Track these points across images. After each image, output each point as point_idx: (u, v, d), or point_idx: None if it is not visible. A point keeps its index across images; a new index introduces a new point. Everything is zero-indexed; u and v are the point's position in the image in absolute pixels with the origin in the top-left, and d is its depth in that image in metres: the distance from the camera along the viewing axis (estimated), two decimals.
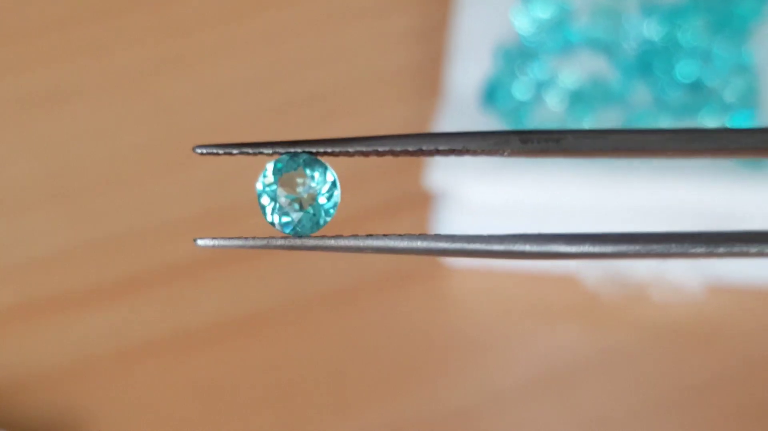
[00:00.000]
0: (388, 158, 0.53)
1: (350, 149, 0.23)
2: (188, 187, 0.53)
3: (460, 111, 0.48)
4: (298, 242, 0.24)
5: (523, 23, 0.50)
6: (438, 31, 0.52)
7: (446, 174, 0.47)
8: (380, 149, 0.23)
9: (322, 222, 0.24)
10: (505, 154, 0.23)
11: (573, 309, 0.48)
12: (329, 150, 0.23)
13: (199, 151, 0.23)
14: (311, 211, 0.23)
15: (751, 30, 0.48)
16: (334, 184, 0.23)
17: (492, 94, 0.48)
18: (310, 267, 0.50)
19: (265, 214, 0.24)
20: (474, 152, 0.23)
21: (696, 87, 0.47)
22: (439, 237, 0.23)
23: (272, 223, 0.24)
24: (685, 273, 0.47)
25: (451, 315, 0.50)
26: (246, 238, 0.24)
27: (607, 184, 0.46)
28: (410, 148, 0.23)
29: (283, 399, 0.48)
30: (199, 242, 0.24)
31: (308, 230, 0.24)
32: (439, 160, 0.47)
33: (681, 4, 0.48)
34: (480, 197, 0.47)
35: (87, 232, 0.52)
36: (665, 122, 0.47)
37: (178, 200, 0.52)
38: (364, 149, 0.23)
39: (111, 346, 0.49)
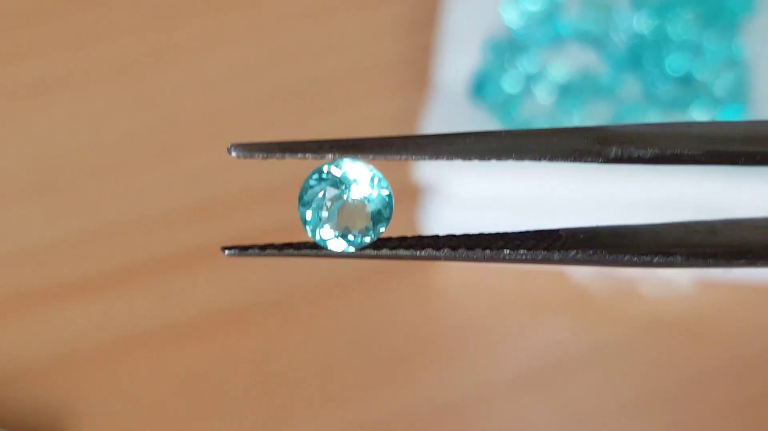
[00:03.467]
0: None
1: (414, 156, 0.20)
2: (178, 178, 0.52)
3: (449, 104, 0.48)
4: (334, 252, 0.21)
5: (512, 16, 0.49)
6: (427, 23, 0.52)
7: (435, 167, 0.46)
8: (445, 156, 0.20)
9: (370, 239, 0.21)
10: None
11: (562, 304, 0.48)
12: (385, 155, 0.21)
13: (234, 153, 0.20)
14: (362, 232, 0.21)
15: (741, 24, 0.48)
16: (387, 196, 0.21)
17: (481, 86, 0.48)
18: (298, 260, 0.49)
19: (305, 226, 0.21)
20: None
21: (686, 81, 0.47)
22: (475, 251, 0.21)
23: (313, 236, 0.21)
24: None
25: (439, 309, 0.50)
26: (280, 249, 0.21)
27: (596, 177, 0.46)
28: (495, 158, 0.20)
29: (271, 392, 0.47)
30: (227, 252, 0.21)
31: (354, 246, 0.21)
32: None
33: None
34: (469, 190, 0.47)
35: (74, 224, 0.51)
36: (655, 116, 0.47)
37: (167, 191, 0.52)
38: (427, 156, 0.20)
39: (98, 339, 0.49)
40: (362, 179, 0.21)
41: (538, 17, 0.49)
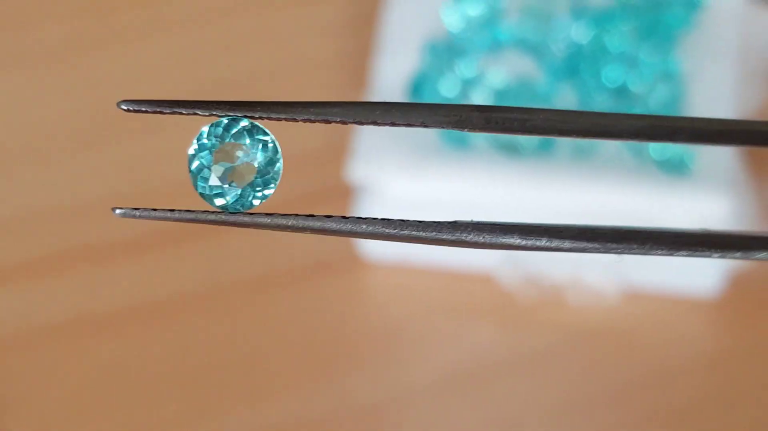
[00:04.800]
0: (310, 149, 0.52)
1: (298, 117, 0.21)
2: (112, 165, 0.52)
3: None
4: (230, 218, 0.21)
5: (452, 19, 0.49)
6: (368, 22, 0.52)
7: (367, 167, 0.46)
8: (330, 118, 0.21)
9: (259, 200, 0.21)
10: (466, 130, 0.21)
11: (489, 309, 0.48)
12: (273, 116, 0.21)
13: (124, 106, 0.20)
14: (248, 188, 0.21)
15: (678, 38, 0.48)
16: (276, 155, 0.21)
17: (418, 88, 0.48)
18: (226, 254, 0.49)
19: (195, 184, 0.21)
20: (429, 126, 0.21)
21: (621, 92, 0.47)
22: (387, 222, 0.21)
23: (203, 195, 0.21)
24: (602, 278, 0.47)
25: (367, 310, 0.49)
26: (172, 210, 0.21)
27: (528, 183, 0.46)
28: (363, 119, 0.21)
29: (192, 386, 0.47)
30: (117, 212, 0.21)
31: (243, 207, 0.21)
32: (361, 153, 0.46)
33: (610, 9, 0.48)
34: (400, 191, 0.47)
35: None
36: None
37: (99, 178, 0.51)
38: (312, 117, 0.21)
39: (17, 326, 0.48)
40: (251, 138, 0.21)
41: (478, 22, 0.49)
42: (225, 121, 0.21)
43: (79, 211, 0.50)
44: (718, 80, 0.47)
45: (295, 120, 0.21)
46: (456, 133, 0.47)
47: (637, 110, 0.47)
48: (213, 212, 0.21)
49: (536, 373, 0.47)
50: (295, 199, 0.50)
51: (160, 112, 0.21)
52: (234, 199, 0.21)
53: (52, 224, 0.50)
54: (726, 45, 0.48)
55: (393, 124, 0.21)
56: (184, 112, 0.21)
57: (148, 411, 0.47)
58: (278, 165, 0.21)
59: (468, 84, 0.48)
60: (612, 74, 0.48)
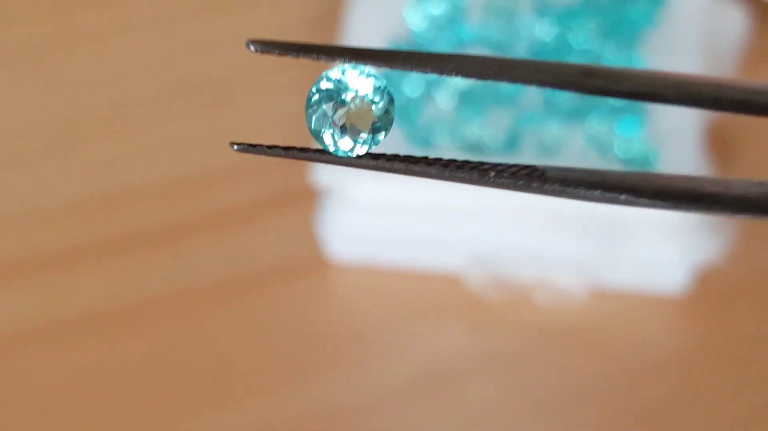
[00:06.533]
0: None
1: (417, 68, 0.21)
2: (74, 171, 0.51)
3: None
4: (344, 159, 0.22)
5: (415, 19, 0.49)
6: (331, 21, 0.52)
7: (332, 170, 0.46)
8: (446, 72, 0.22)
9: (368, 147, 0.22)
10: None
11: (456, 310, 0.48)
12: (391, 66, 0.22)
13: (252, 47, 0.21)
14: (363, 133, 0.22)
15: (642, 35, 0.48)
16: (391, 105, 0.22)
17: None
18: (191, 258, 0.49)
19: (309, 122, 0.22)
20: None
21: None
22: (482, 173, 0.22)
23: (315, 132, 0.22)
24: (569, 277, 0.47)
25: (334, 312, 0.49)
26: (285, 148, 0.22)
27: None
28: (490, 78, 0.22)
29: (162, 392, 0.47)
30: (235, 147, 0.22)
31: (352, 152, 0.22)
32: None
33: (573, 6, 0.48)
34: (366, 194, 0.47)
35: None
36: (555, 127, 0.47)
37: (61, 183, 0.51)
38: (430, 69, 0.22)
39: None
40: (367, 85, 0.22)
41: (441, 21, 0.49)
42: (347, 67, 0.21)
43: (44, 215, 0.50)
44: None
45: (410, 70, 0.22)
46: (421, 133, 0.47)
47: (599, 109, 0.47)
48: (322, 152, 0.22)
49: (505, 374, 0.47)
50: (261, 200, 0.49)
51: (286, 55, 0.21)
52: (353, 143, 0.22)
53: (16, 229, 0.50)
54: (690, 41, 0.48)
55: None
56: (311, 57, 0.21)
57: (114, 417, 0.46)
58: (392, 113, 0.22)
59: (432, 84, 0.48)
60: None
